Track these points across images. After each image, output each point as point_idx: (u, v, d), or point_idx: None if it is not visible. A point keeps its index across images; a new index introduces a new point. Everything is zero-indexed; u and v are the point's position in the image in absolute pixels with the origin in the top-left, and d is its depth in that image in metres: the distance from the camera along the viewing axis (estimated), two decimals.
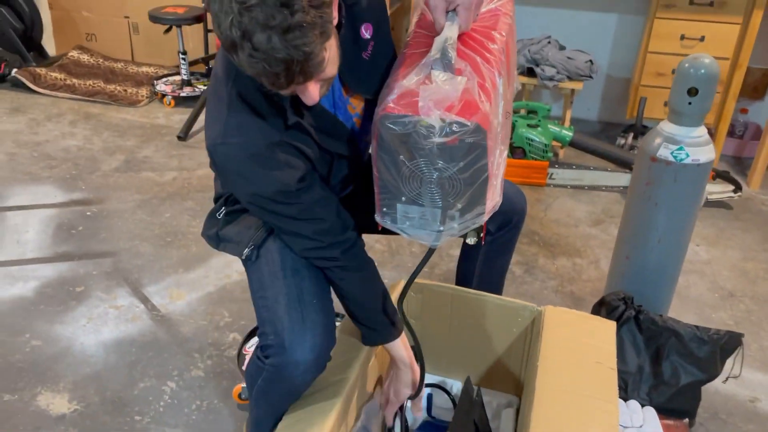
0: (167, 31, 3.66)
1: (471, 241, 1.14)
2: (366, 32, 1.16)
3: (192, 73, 3.64)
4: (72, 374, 1.80)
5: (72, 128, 3.30)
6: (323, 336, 1.17)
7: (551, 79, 2.98)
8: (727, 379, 1.71)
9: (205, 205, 2.61)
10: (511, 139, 2.94)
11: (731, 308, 2.16)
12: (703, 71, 1.49)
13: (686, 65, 1.51)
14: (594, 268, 2.35)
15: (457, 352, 1.62)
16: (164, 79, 3.74)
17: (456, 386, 1.63)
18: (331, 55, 0.96)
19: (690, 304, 2.15)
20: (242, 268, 2.20)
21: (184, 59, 3.56)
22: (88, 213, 2.57)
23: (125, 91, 3.68)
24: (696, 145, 1.54)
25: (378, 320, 1.30)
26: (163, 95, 3.60)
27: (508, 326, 1.53)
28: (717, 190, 2.73)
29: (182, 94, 3.57)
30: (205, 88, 3.59)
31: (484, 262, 1.58)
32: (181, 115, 3.44)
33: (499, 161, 1.09)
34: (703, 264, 2.38)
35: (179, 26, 3.46)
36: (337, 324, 1.30)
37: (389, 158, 1.00)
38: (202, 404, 1.72)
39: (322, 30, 0.89)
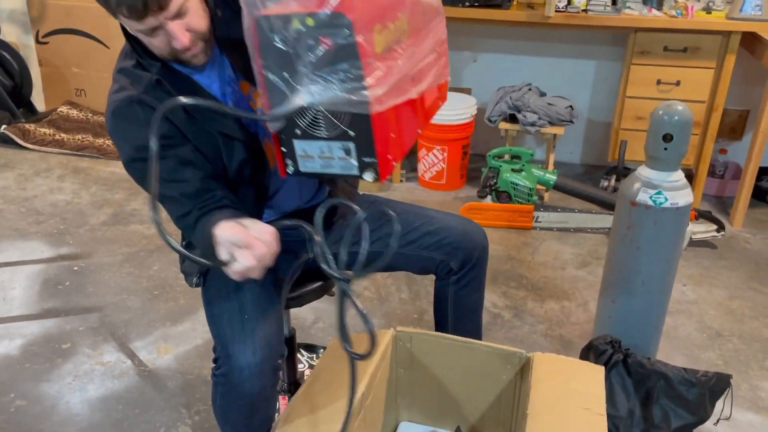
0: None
1: (369, 177, 1.06)
2: None
3: None
4: None
5: (60, 183, 3.31)
6: (265, 342, 1.23)
7: (533, 124, 3.04)
8: (718, 421, 1.71)
9: None
10: (496, 183, 2.99)
11: (719, 348, 2.16)
12: (676, 118, 1.54)
13: (660, 112, 1.56)
14: (582, 311, 2.36)
15: (447, 401, 1.61)
16: None
17: None
18: (192, 1, 1.12)
19: (679, 345, 2.16)
20: None
21: None
22: (76, 268, 2.56)
23: (114, 144, 3.71)
24: (674, 189, 1.57)
25: None
26: None
27: (497, 373, 1.53)
28: (701, 229, 2.77)
29: None
30: None
31: (455, 304, 1.60)
32: None
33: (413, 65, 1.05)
34: (690, 304, 2.40)
35: None
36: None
37: (266, 53, 0.97)
38: None
39: None
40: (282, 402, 1.78)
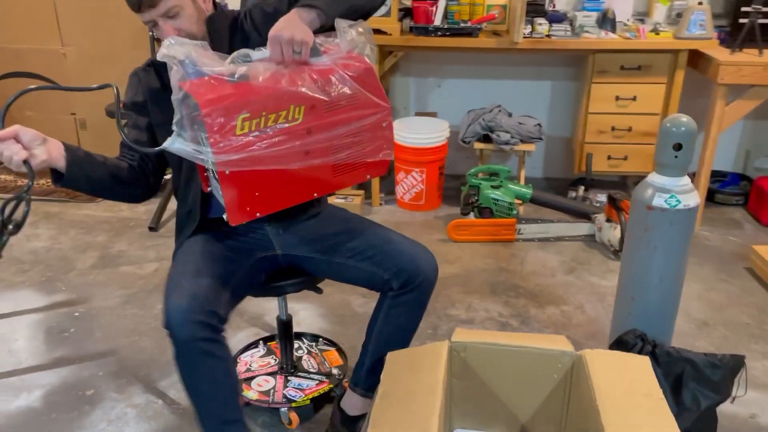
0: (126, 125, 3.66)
1: (225, 217, 1.38)
2: None
3: None
4: None
5: (34, 229, 3.20)
6: (190, 295, 1.42)
7: (507, 143, 3.23)
8: (734, 398, 1.89)
9: None
10: (478, 200, 3.14)
11: (708, 336, 2.37)
12: (683, 129, 1.72)
13: (668, 125, 1.74)
14: (581, 313, 2.52)
15: (498, 405, 1.70)
16: None
17: None
18: (186, 10, 1.47)
19: (673, 337, 2.35)
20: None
21: None
22: (76, 314, 2.50)
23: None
24: (684, 192, 1.75)
25: None
26: None
27: (548, 373, 1.64)
28: None
29: None
30: (168, 176, 3.58)
31: (384, 317, 1.68)
32: (146, 206, 3.39)
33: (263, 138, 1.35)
34: None
35: None
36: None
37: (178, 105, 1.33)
38: None
39: None
40: (279, 380, 1.99)
